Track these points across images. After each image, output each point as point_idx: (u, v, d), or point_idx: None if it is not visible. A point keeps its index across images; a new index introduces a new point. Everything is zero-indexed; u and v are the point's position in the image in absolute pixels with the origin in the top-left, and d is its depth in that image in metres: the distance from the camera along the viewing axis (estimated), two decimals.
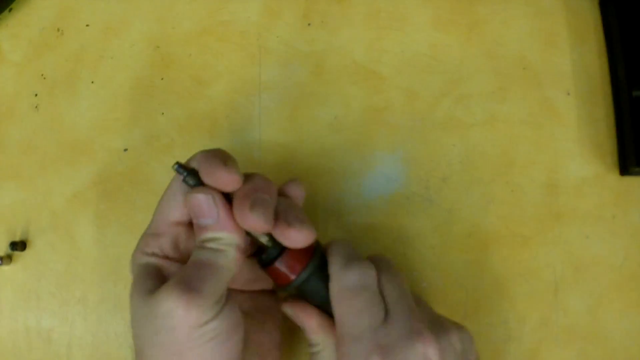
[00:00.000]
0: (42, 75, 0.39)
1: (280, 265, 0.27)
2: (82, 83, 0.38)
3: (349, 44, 0.38)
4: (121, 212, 0.36)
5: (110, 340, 0.35)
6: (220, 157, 0.26)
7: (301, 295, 0.28)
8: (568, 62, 0.37)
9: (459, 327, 0.27)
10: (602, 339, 0.33)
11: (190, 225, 0.28)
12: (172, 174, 0.27)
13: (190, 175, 0.27)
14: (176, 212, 0.28)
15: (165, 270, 0.27)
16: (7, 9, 0.40)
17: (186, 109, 0.37)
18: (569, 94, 0.37)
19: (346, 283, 0.27)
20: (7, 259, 0.36)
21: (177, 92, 0.38)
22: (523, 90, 0.37)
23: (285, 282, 0.27)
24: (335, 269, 0.27)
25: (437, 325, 0.27)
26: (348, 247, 0.29)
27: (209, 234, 0.26)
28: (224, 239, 0.26)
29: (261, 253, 0.28)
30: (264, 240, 0.27)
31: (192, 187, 0.27)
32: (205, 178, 0.26)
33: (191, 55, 0.38)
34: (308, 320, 0.28)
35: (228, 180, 0.26)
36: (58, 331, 0.35)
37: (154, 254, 0.28)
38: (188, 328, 0.24)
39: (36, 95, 0.38)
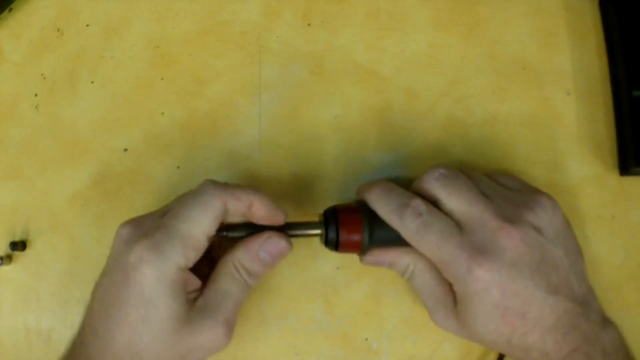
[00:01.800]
0: (42, 75, 0.39)
1: (347, 241, 0.30)
2: (82, 83, 0.38)
3: (349, 44, 0.38)
4: (121, 212, 0.36)
5: None
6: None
7: (376, 246, 0.31)
8: (568, 62, 0.37)
9: (533, 205, 0.29)
10: None
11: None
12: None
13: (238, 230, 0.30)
14: (213, 228, 0.28)
15: (186, 287, 0.28)
16: (7, 9, 0.40)
17: (186, 109, 0.37)
18: (569, 94, 0.37)
19: (409, 232, 0.28)
20: (7, 259, 0.36)
21: (177, 92, 0.38)
22: (523, 90, 0.37)
23: (359, 248, 0.30)
24: (390, 220, 0.29)
25: (514, 210, 0.28)
26: (385, 194, 0.30)
27: (260, 270, 0.29)
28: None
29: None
30: (318, 233, 0.31)
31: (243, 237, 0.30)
32: (262, 221, 0.29)
33: (191, 55, 0.38)
34: (388, 256, 0.31)
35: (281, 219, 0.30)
36: (58, 331, 0.35)
37: (186, 268, 0.27)
38: None
39: (36, 95, 0.38)
